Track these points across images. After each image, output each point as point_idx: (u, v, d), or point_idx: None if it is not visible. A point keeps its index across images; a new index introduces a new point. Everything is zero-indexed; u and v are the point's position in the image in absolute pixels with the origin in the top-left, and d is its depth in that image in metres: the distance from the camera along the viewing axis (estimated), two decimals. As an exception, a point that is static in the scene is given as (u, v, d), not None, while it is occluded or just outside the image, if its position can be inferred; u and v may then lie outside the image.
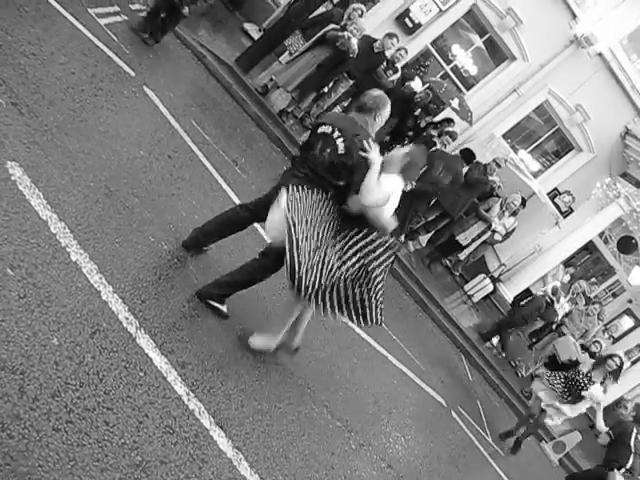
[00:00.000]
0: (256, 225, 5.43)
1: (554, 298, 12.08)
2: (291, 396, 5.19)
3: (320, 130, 4.76)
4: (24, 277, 3.64)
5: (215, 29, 11.42)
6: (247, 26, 13.03)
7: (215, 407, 4.25)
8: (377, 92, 4.97)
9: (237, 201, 6.55)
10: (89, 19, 7.12)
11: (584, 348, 10.95)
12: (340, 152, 4.66)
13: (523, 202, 12.86)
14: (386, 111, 4.90)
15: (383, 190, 4.67)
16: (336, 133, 4.68)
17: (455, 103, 12.02)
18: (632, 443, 8.20)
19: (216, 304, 4.99)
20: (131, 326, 4.10)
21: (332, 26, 10.01)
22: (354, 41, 9.90)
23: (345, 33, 9.83)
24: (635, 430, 8.34)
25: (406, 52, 12.25)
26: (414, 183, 9.28)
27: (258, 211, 5.08)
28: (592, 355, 10.51)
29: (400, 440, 6.44)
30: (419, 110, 12.13)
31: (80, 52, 6.37)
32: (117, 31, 7.56)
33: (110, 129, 5.77)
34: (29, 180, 4.25)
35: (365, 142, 4.66)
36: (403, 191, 4.99)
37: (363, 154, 4.63)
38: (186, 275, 5.07)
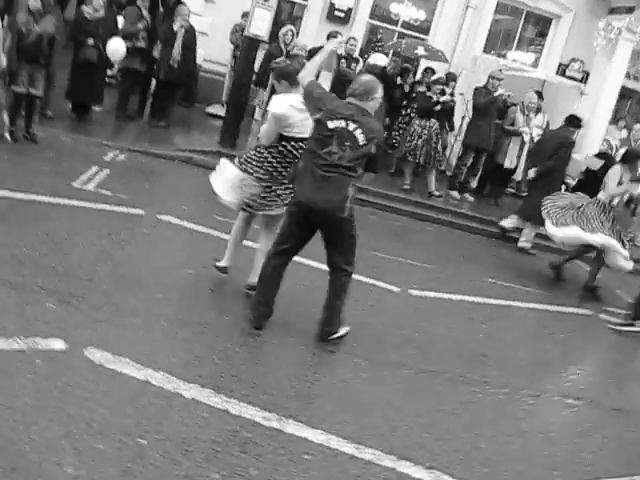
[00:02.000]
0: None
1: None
2: (447, 394, 5.09)
3: (332, 125, 4.80)
4: (157, 438, 3.67)
5: (185, 129, 11.62)
6: (210, 109, 13.25)
7: (388, 444, 4.17)
8: (366, 77, 5.14)
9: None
10: (77, 191, 7.32)
11: None
12: (361, 143, 4.79)
13: (540, 95, 12.54)
14: (378, 94, 4.96)
15: None
16: (351, 125, 4.79)
17: (421, 50, 11.92)
18: None
19: (339, 334, 5.19)
20: (271, 421, 4.08)
21: (276, 61, 10.05)
22: (302, 60, 9.93)
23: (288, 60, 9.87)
24: None
25: (355, 40, 12.27)
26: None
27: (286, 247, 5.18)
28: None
29: (570, 370, 6.23)
30: (398, 79, 12.07)
31: (87, 223, 6.54)
32: (107, 186, 7.74)
33: (150, 267, 5.87)
34: (111, 355, 4.33)
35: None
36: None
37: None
38: (288, 346, 5.08)
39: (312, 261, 6.28)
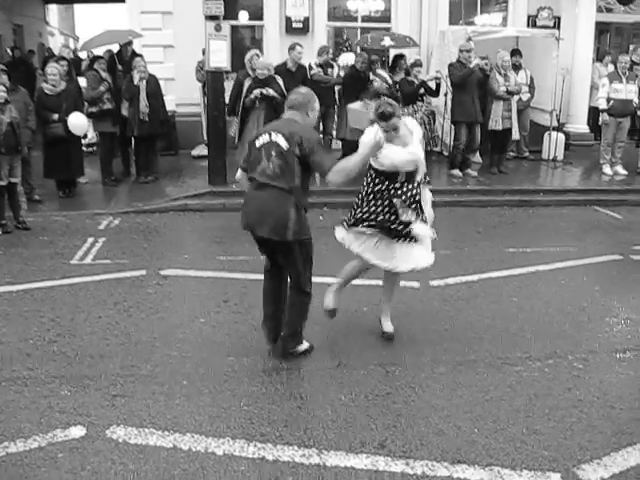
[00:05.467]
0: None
1: None
2: (490, 381, 4.83)
3: (258, 143, 4.78)
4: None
5: (175, 178, 11.46)
6: (195, 152, 13.13)
7: (439, 451, 3.93)
8: (303, 89, 5.05)
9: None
10: (75, 268, 7.20)
11: None
12: (285, 148, 4.64)
13: (515, 52, 12.32)
14: (316, 104, 4.91)
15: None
16: (273, 135, 4.71)
17: (387, 41, 11.72)
18: None
19: (299, 348, 5.08)
20: (312, 457, 3.84)
21: (244, 89, 10.00)
22: (269, 90, 9.78)
23: (255, 91, 9.74)
24: None
25: (331, 48, 12.20)
26: None
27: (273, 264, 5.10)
28: None
29: (614, 322, 5.94)
30: (370, 74, 11.86)
31: (91, 298, 6.38)
32: (105, 255, 7.62)
33: (161, 327, 5.70)
34: (134, 429, 4.14)
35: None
36: None
37: None
38: (315, 373, 4.88)
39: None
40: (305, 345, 5.14)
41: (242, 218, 4.91)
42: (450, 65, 11.23)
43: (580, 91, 14.00)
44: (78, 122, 9.72)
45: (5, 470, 3.75)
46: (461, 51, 11.07)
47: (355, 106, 10.18)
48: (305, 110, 4.82)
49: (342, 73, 11.85)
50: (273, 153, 4.67)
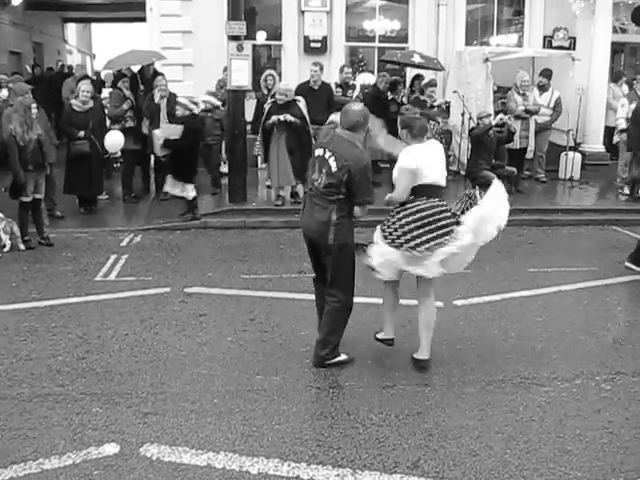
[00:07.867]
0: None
1: None
2: (520, 401, 4.83)
3: (316, 154, 5.12)
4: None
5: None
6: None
7: (473, 471, 3.94)
8: (357, 106, 5.26)
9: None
10: (101, 285, 7.28)
11: None
12: (334, 170, 4.91)
13: (542, 72, 12.40)
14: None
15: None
16: (328, 154, 4.98)
17: (417, 58, 11.82)
18: None
19: (335, 360, 5.25)
20: (347, 477, 3.86)
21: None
22: (287, 116, 9.72)
23: (273, 117, 9.68)
24: None
25: (349, 67, 12.33)
26: None
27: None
28: None
29: (638, 343, 5.93)
30: (388, 94, 11.98)
31: (117, 315, 6.43)
32: (129, 272, 7.69)
33: (189, 345, 5.73)
34: (167, 447, 4.16)
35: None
36: None
37: None
38: (345, 391, 4.90)
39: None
40: (342, 357, 5.28)
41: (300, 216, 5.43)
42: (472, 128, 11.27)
43: (596, 111, 14.01)
44: (115, 140, 9.94)
45: (41, 487, 3.78)
46: (480, 118, 11.09)
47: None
48: (363, 130, 5.11)
49: (355, 93, 11.94)
50: (323, 170, 4.98)
